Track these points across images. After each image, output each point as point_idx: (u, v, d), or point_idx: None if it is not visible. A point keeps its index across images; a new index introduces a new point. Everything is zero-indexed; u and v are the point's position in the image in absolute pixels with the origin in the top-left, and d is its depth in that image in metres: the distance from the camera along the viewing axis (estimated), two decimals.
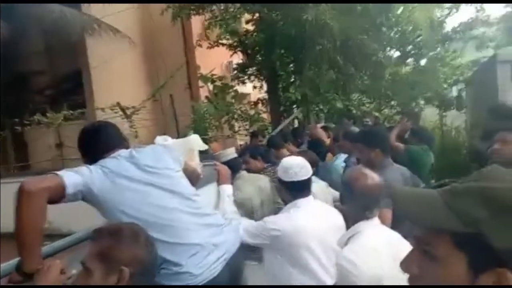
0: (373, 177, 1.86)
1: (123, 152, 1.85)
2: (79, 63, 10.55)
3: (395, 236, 1.79)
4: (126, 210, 1.68)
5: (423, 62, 9.67)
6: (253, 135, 6.86)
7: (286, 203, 2.50)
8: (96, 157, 1.80)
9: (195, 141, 2.34)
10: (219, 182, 2.69)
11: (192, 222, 1.80)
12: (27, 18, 8.42)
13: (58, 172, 1.58)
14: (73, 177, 1.59)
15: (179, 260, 1.68)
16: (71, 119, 9.16)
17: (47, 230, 1.54)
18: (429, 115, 13.41)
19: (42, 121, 9.00)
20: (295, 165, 2.39)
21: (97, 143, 1.85)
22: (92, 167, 1.72)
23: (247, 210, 3.03)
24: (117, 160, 1.79)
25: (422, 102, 11.00)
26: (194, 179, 2.27)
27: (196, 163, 2.34)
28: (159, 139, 2.27)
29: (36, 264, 1.44)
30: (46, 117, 9.02)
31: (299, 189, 2.39)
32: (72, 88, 11.15)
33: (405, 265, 0.79)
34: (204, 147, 2.38)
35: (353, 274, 1.58)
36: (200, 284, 1.71)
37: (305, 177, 2.38)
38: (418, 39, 8.48)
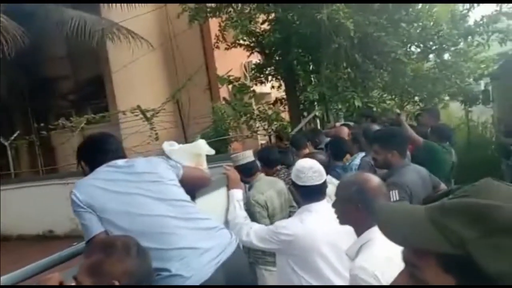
0: (375, 179, 1.81)
1: (118, 161, 1.94)
2: (100, 67, 10.76)
3: None
4: (111, 219, 1.75)
5: (445, 57, 9.36)
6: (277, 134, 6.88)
7: (299, 206, 2.46)
8: (93, 167, 1.92)
9: (202, 146, 2.32)
10: (228, 187, 2.68)
11: (180, 226, 1.83)
12: (48, 24, 8.63)
13: (94, 232, 1.75)
14: (96, 222, 1.76)
15: (167, 266, 1.71)
16: (93, 123, 9.32)
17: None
18: (455, 110, 13.01)
19: (66, 125, 9.18)
20: (308, 169, 2.32)
21: (94, 154, 1.97)
22: (88, 185, 1.84)
23: (269, 213, 2.99)
24: (109, 171, 1.88)
25: (446, 97, 10.68)
26: (202, 183, 2.26)
27: (203, 167, 2.32)
28: (166, 144, 2.27)
29: None
30: (70, 121, 9.21)
31: (313, 193, 2.33)
32: (94, 92, 11.40)
33: None
34: (211, 152, 2.36)
35: (371, 285, 1.53)
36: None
37: (319, 182, 2.32)
38: (440, 33, 8.20)
